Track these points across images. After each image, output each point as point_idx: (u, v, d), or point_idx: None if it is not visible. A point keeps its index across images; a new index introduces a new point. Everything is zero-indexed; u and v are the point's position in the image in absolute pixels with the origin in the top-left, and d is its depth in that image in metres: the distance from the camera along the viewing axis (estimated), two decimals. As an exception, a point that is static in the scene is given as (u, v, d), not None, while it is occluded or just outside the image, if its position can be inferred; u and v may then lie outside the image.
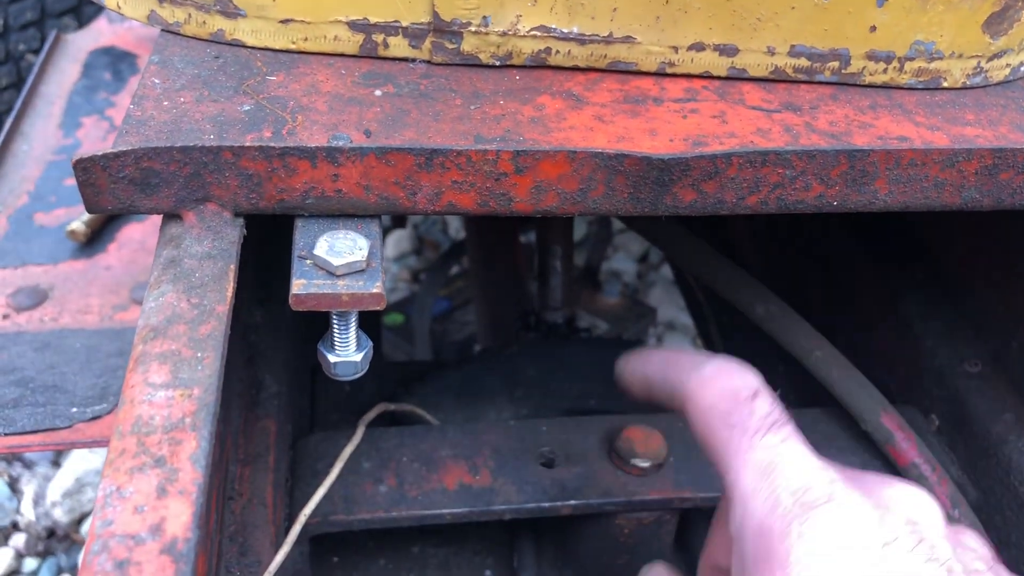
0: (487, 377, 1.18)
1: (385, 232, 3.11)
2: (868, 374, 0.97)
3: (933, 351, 1.01)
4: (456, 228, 3.11)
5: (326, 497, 0.87)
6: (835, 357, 0.97)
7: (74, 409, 0.95)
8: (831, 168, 0.62)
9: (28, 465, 2.41)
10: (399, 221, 1.90)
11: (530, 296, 1.49)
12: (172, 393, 0.47)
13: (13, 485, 2.34)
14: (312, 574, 1.01)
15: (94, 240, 1.25)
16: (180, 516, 0.42)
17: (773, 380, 1.25)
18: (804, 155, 0.61)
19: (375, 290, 0.54)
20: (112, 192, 0.55)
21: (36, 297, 1.17)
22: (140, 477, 0.43)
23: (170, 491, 0.43)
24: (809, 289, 1.28)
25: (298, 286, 0.54)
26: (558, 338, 1.27)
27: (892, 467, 0.93)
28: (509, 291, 1.62)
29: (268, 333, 0.95)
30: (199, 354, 0.49)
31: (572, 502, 0.89)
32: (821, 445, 0.96)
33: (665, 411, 1.00)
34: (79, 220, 1.23)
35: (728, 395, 0.64)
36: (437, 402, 1.13)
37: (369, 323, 1.30)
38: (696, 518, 1.01)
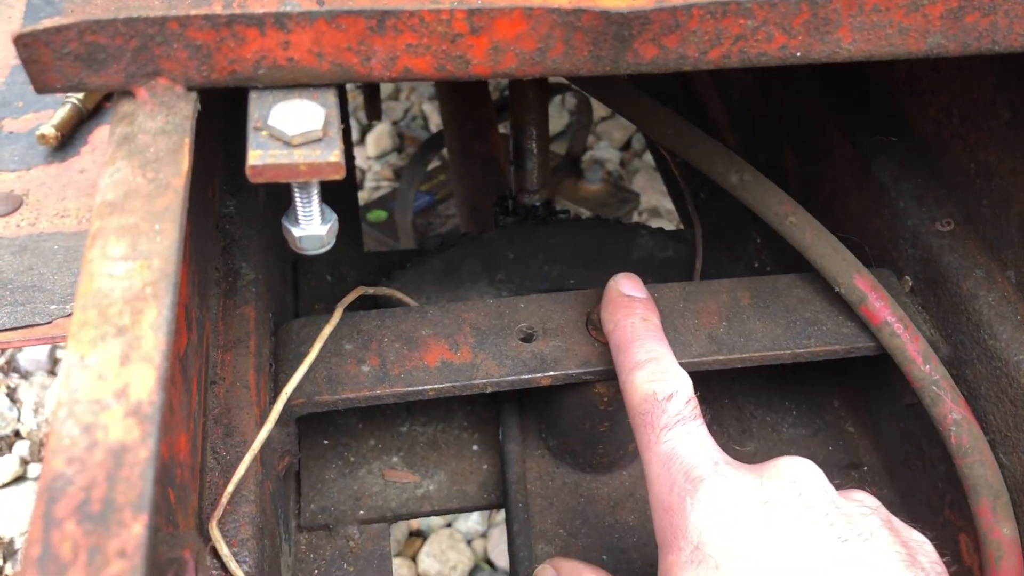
0: (467, 262, 1.18)
1: (365, 130, 3.07)
2: (843, 239, 0.97)
3: (906, 212, 1.01)
4: (437, 123, 3.07)
5: (310, 379, 0.89)
6: (809, 222, 0.97)
7: (53, 306, 0.96)
8: (793, 17, 0.61)
9: (25, 375, 2.43)
10: (375, 112, 1.87)
11: (508, 182, 1.48)
12: (131, 265, 0.47)
13: (12, 395, 2.37)
14: (301, 460, 1.04)
15: (66, 144, 1.23)
16: (144, 381, 0.43)
17: (749, 250, 1.27)
18: (765, 4, 0.60)
19: (333, 158, 0.54)
20: (58, 69, 0.54)
21: (11, 204, 1.16)
22: (103, 346, 0.44)
23: (133, 358, 0.43)
24: (784, 160, 1.28)
25: (254, 157, 0.53)
26: (536, 221, 1.27)
27: (866, 328, 0.95)
28: (488, 179, 1.61)
29: (242, 222, 0.95)
30: (157, 226, 0.49)
31: (551, 373, 0.91)
32: (796, 309, 0.98)
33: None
34: (49, 124, 1.21)
35: (648, 397, 0.76)
36: (418, 287, 1.14)
37: (347, 215, 1.30)
38: (675, 386, 1.03)
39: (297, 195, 0.59)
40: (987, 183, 0.95)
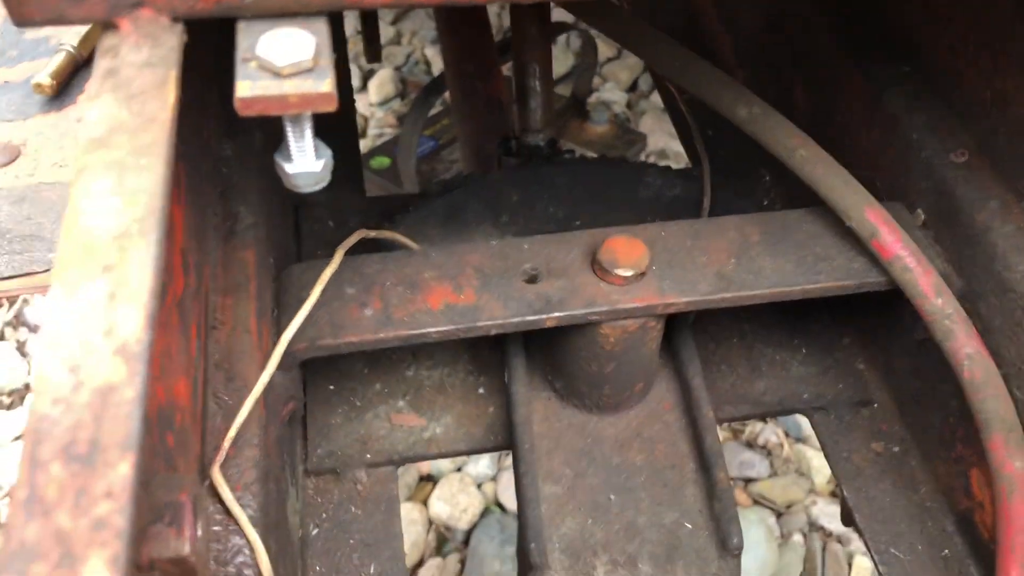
0: (471, 204, 1.16)
1: (367, 76, 3.02)
2: (855, 173, 0.95)
3: (920, 144, 0.99)
4: (439, 68, 3.02)
5: (312, 323, 0.88)
6: (819, 155, 0.95)
7: (51, 255, 0.95)
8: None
9: (34, 329, 2.44)
10: (375, 54, 1.83)
11: (512, 123, 1.45)
12: (117, 201, 0.45)
13: (21, 349, 2.38)
14: (307, 405, 1.03)
15: (62, 93, 1.21)
16: (131, 320, 0.41)
17: (759, 188, 1.25)
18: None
19: (324, 89, 0.52)
20: (37, 1, 0.52)
21: (9, 154, 1.14)
22: (88, 285, 0.42)
23: (120, 296, 0.42)
24: (794, 96, 1.25)
25: (243, 88, 0.51)
26: (541, 161, 1.25)
27: (877, 263, 0.93)
28: (491, 121, 1.58)
29: (240, 165, 0.93)
30: (143, 161, 0.47)
31: (556, 314, 0.89)
32: (806, 244, 0.96)
33: (648, 221, 1.00)
34: (44, 73, 1.19)
35: None
36: (421, 231, 1.12)
37: (348, 159, 1.28)
38: (680, 324, 1.02)
39: (289, 129, 0.57)
40: (1003, 111, 0.92)
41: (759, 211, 1.19)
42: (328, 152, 0.59)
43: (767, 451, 2.28)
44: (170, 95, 0.50)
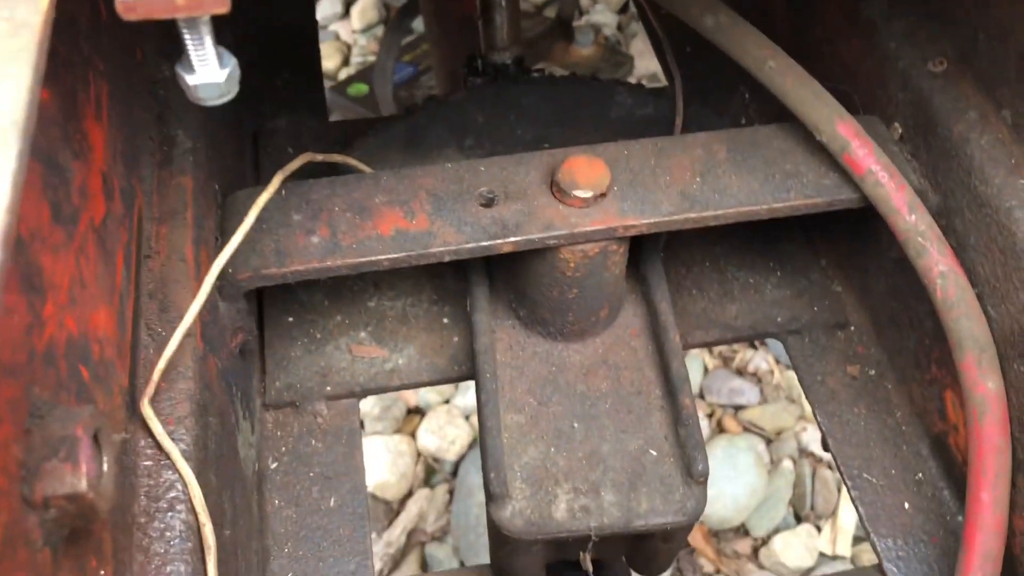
0: (433, 127, 1.12)
1: (349, 2, 2.94)
2: (832, 90, 0.90)
3: (897, 53, 0.94)
4: (424, -8, 2.93)
5: (257, 252, 0.85)
6: (790, 66, 0.90)
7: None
8: None
9: None
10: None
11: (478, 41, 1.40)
12: (-23, 113, 0.41)
13: None
14: (265, 337, 1.00)
15: None
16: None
17: (735, 105, 1.20)
18: None
19: (216, -11, 0.47)
20: None
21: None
22: (-57, 201, 0.39)
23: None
24: (773, 6, 1.19)
25: (124, -10, 0.47)
26: (508, 81, 1.20)
27: (850, 179, 0.89)
28: (465, 41, 1.53)
29: (178, 88, 0.89)
30: (12, 69, 0.43)
31: (512, 239, 0.86)
32: (775, 161, 0.92)
33: (614, 137, 0.96)
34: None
35: None
36: (381, 156, 1.08)
37: (309, 81, 1.23)
38: (648, 248, 0.98)
39: (186, 36, 0.53)
40: (984, 16, 0.86)
41: None
42: (233, 61, 0.55)
43: (757, 378, 2.27)
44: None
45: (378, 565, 1.94)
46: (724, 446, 2.08)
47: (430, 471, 2.13)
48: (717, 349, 2.33)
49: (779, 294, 1.07)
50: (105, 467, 0.49)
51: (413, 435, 2.17)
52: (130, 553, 0.60)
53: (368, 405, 2.20)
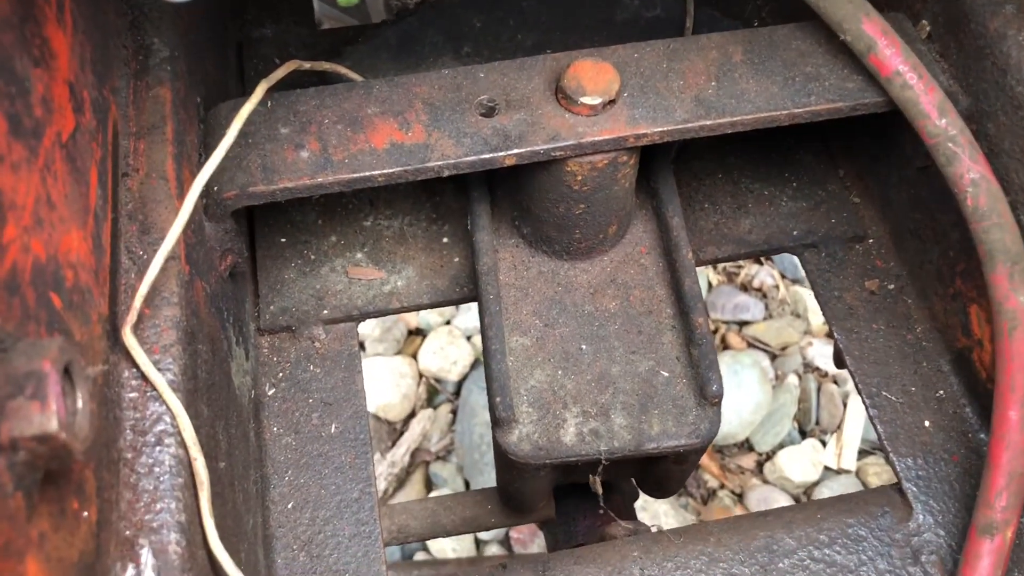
0: (427, 33, 1.05)
1: (337, -93, 2.80)
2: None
3: (927, -57, 0.87)
4: None
5: (243, 168, 0.79)
6: (811, -41, 0.83)
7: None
8: None
9: None
10: None
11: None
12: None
13: None
14: (257, 259, 0.96)
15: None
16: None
17: (749, 6, 1.13)
18: None
19: None
20: None
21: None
22: None
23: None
24: None
25: None
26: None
27: (875, 81, 0.83)
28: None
29: (153, -8, 0.82)
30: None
31: (515, 151, 0.80)
32: (795, 64, 0.86)
33: (619, 42, 0.89)
34: None
35: None
36: (372, 65, 1.02)
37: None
38: (660, 159, 0.93)
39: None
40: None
41: None
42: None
43: (762, 293, 2.23)
44: None
45: (382, 485, 1.94)
46: (728, 362, 2.05)
47: (432, 392, 2.11)
48: (721, 264, 2.29)
49: (795, 206, 1.02)
50: (80, 404, 0.45)
51: (415, 356, 2.15)
52: (116, 491, 0.56)
53: (368, 327, 2.16)
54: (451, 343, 2.12)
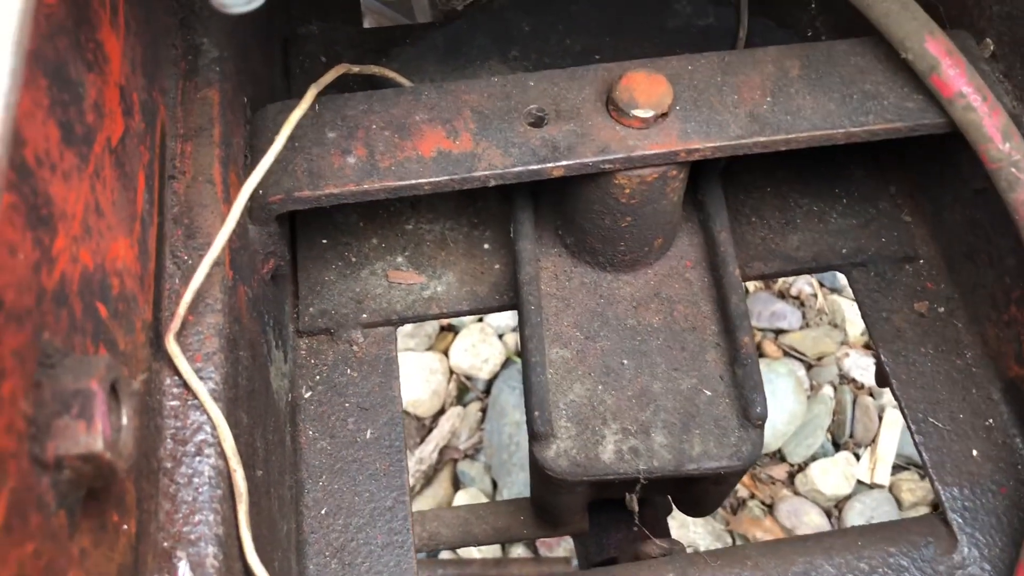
0: (475, 36, 1.04)
1: (382, -102, 2.79)
2: (915, -4, 0.81)
3: (995, -41, 0.84)
4: None
5: (289, 172, 0.79)
6: (875, -27, 0.81)
7: None
8: None
9: None
10: None
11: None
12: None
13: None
14: (298, 260, 0.95)
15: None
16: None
17: (803, 16, 1.10)
18: None
19: None
20: None
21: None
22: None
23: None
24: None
25: None
26: (557, -14, 1.11)
27: (936, 101, 0.81)
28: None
29: (204, -10, 0.82)
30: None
31: (564, 162, 0.79)
32: (854, 80, 0.83)
33: (672, 53, 0.88)
34: None
35: None
36: (419, 67, 1.01)
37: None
38: (708, 172, 0.91)
39: (208, -67, 0.46)
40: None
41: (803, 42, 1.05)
42: (261, -38, 0.48)
43: (800, 302, 2.20)
44: None
45: (410, 481, 1.94)
46: (763, 371, 2.02)
47: (463, 389, 2.11)
48: (759, 271, 2.26)
49: (844, 223, 0.99)
50: (124, 421, 0.44)
51: (446, 353, 2.14)
52: (156, 502, 0.56)
53: (400, 321, 2.16)
54: (483, 341, 2.12)
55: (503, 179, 0.79)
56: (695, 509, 0.96)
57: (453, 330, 2.17)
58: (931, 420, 0.89)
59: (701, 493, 0.90)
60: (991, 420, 0.89)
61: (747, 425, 0.82)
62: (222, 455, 0.60)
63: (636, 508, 0.88)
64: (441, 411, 2.10)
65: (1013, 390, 0.88)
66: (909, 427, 0.89)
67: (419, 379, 2.10)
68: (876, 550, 0.84)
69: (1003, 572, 0.82)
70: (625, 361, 0.87)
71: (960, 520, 0.84)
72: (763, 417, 0.81)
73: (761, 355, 2.13)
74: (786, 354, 2.13)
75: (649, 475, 0.81)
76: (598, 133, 0.80)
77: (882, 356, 0.93)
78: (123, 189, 0.58)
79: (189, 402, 0.61)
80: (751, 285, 2.26)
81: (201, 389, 0.60)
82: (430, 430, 2.07)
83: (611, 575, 0.83)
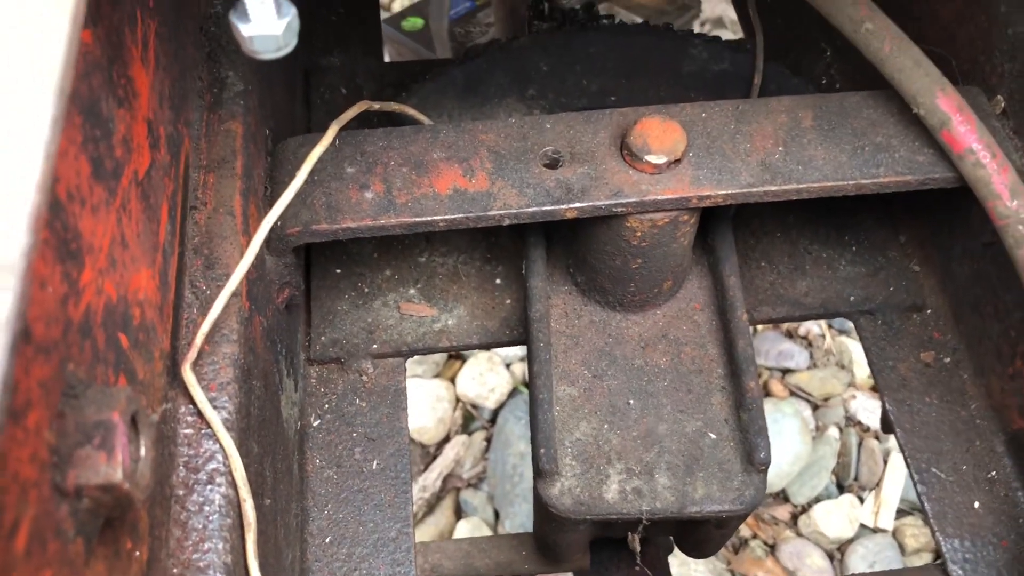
0: (494, 74, 1.06)
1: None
2: (927, 52, 0.83)
3: (1007, 18, 0.85)
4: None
5: (307, 206, 0.80)
6: (888, 29, 0.82)
7: None
8: None
9: None
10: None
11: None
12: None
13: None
14: (312, 288, 0.97)
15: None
16: None
17: (818, 65, 1.12)
18: None
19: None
20: None
21: None
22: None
23: None
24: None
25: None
26: (575, 27, 1.13)
27: (946, 156, 0.82)
28: (528, -20, 1.45)
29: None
30: (46, 11, 0.38)
31: (577, 204, 0.80)
32: (865, 133, 0.85)
33: (691, 98, 0.89)
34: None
35: None
36: (437, 103, 1.02)
37: (365, 17, 1.17)
38: (719, 217, 0.92)
39: (243, -19, 0.47)
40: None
41: (818, 92, 1.07)
42: (293, 10, 0.50)
43: (808, 342, 2.21)
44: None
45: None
46: (769, 410, 2.02)
47: (468, 417, 2.11)
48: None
49: (853, 271, 1.00)
50: (143, 452, 0.46)
51: (453, 380, 2.15)
52: (167, 528, 0.57)
53: (409, 347, 2.17)
54: (490, 370, 2.12)
55: (517, 219, 0.81)
56: (697, 550, 0.96)
57: (461, 358, 2.18)
58: (934, 470, 0.90)
59: (703, 535, 0.90)
60: (994, 472, 0.89)
61: (751, 470, 0.82)
62: (232, 484, 0.61)
63: (638, 548, 0.88)
64: (446, 439, 2.10)
65: (1016, 443, 0.89)
66: (912, 476, 0.90)
67: (425, 406, 2.11)
68: None
69: (1002, 626, 0.82)
70: (631, 401, 0.88)
71: (960, 572, 0.85)
72: (767, 462, 0.82)
73: (767, 394, 2.13)
74: (792, 394, 2.13)
75: (652, 516, 0.81)
76: (612, 177, 0.82)
77: (887, 404, 0.93)
78: (147, 220, 0.60)
79: (203, 431, 0.62)
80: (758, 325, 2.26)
81: (215, 418, 0.61)
82: (434, 458, 2.07)
83: (611, 614, 0.83)
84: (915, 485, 0.89)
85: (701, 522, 0.86)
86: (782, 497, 2.01)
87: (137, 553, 0.52)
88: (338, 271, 0.99)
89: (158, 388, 0.59)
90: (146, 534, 0.53)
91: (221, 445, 0.61)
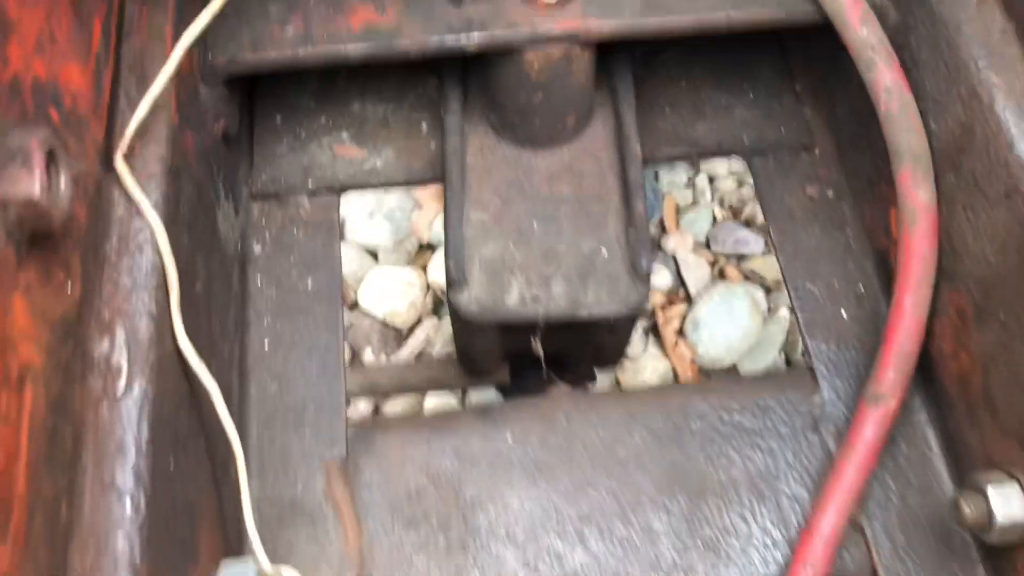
0: None
1: None
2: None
3: None
4: None
5: (234, 40, 0.90)
6: None
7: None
8: None
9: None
10: None
11: None
12: None
13: None
14: (255, 133, 1.07)
15: None
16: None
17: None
18: None
19: None
20: None
21: None
22: None
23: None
24: None
25: None
26: None
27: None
28: None
29: None
30: None
31: (475, 34, 0.90)
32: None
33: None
34: None
35: None
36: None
37: None
38: (619, 60, 1.02)
39: None
40: None
41: None
42: None
43: (764, 230, 2.30)
44: None
45: (384, 384, 2.06)
46: (722, 292, 2.13)
47: (438, 303, 2.23)
48: (727, 201, 2.35)
49: (749, 115, 1.10)
50: (63, 185, 0.56)
51: (424, 268, 2.26)
52: (100, 283, 0.68)
53: (382, 237, 2.28)
54: (459, 257, 2.23)
55: (422, 50, 0.90)
56: (599, 359, 1.07)
57: (432, 248, 2.29)
58: (808, 286, 1.00)
59: (600, 343, 1.01)
60: (862, 286, 1.00)
61: (635, 278, 0.93)
62: (158, 255, 0.72)
63: (541, 352, 1.00)
64: (418, 322, 2.22)
65: (882, 260, 0.99)
66: (788, 292, 1.01)
67: (398, 292, 2.22)
68: (748, 394, 0.96)
69: (855, 411, 0.93)
70: (536, 224, 0.98)
71: (824, 369, 0.96)
72: (648, 271, 0.92)
73: (723, 278, 2.24)
74: (747, 278, 2.24)
75: (548, 318, 0.92)
76: (510, 13, 0.91)
77: (771, 232, 1.04)
78: (78, 29, 0.70)
79: (133, 212, 0.72)
80: (719, 214, 2.36)
81: (143, 200, 0.72)
82: (407, 339, 2.19)
83: (516, 405, 0.95)
84: (791, 299, 1.00)
85: (594, 329, 0.97)
86: (733, 371, 2.13)
87: (70, 289, 0.63)
88: (279, 118, 1.09)
89: (92, 172, 0.70)
90: (78, 277, 0.64)
91: (148, 223, 0.72)
